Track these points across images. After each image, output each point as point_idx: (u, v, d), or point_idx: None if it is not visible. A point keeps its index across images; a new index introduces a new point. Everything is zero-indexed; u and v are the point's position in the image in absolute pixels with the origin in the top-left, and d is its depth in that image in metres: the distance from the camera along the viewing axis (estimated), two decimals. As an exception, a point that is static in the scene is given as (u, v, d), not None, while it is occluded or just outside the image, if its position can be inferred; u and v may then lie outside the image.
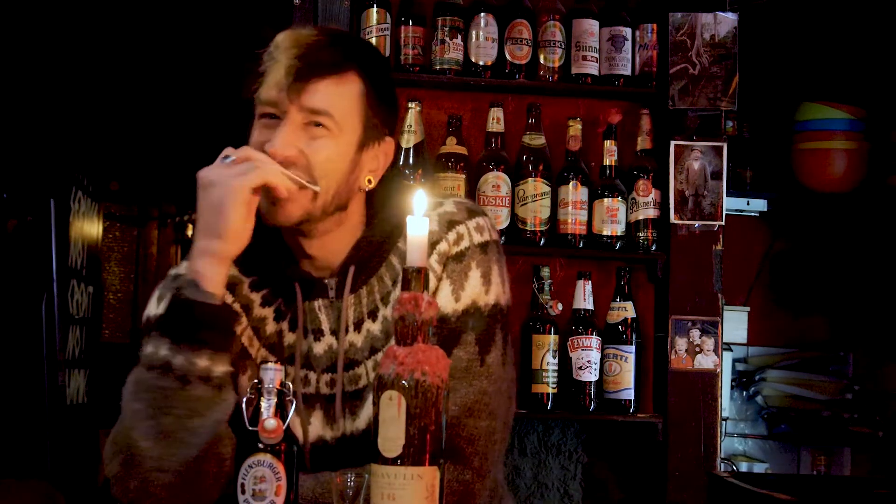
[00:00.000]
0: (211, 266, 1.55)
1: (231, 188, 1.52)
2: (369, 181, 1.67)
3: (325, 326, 1.68)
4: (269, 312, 1.70)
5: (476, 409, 1.60)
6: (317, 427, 1.66)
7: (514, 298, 1.74)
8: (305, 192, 1.59)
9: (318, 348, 1.68)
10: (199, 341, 1.53)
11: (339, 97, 1.61)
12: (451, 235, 1.66)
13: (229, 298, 1.66)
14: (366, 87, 1.64)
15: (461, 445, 1.58)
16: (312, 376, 1.67)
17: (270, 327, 1.70)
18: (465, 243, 1.66)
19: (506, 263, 1.72)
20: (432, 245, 1.65)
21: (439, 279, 1.65)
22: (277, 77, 1.58)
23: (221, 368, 1.55)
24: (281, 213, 1.60)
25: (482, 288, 1.65)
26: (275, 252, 1.69)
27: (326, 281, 1.68)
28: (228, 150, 1.59)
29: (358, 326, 1.67)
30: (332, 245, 1.68)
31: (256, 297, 1.70)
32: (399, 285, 1.65)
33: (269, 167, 1.55)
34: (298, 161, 1.59)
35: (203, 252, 1.55)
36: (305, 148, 1.59)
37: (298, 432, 1.66)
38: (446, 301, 1.63)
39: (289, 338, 1.68)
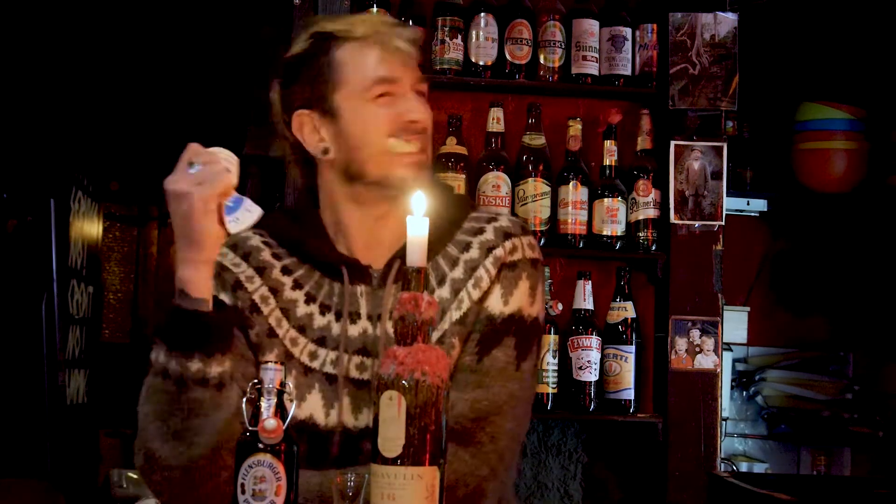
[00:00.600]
0: (194, 272, 1.59)
1: (197, 200, 1.55)
2: None
3: (363, 311, 1.72)
4: (299, 295, 1.75)
5: (504, 410, 1.65)
6: (343, 413, 1.69)
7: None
8: None
9: (353, 330, 1.72)
10: (188, 346, 1.58)
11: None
12: (508, 244, 1.74)
13: (257, 283, 1.74)
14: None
15: (482, 440, 1.61)
16: (344, 357, 1.71)
17: (301, 310, 1.74)
18: (518, 255, 1.74)
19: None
20: (488, 249, 1.74)
21: (492, 282, 1.72)
22: (391, 56, 1.71)
23: (217, 369, 1.59)
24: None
25: (528, 299, 1.73)
26: (315, 235, 1.75)
27: (372, 270, 1.73)
28: (192, 152, 1.59)
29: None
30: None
31: (287, 281, 1.75)
32: (443, 285, 1.72)
33: (226, 172, 1.57)
34: None
35: (185, 260, 1.60)
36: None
37: (321, 416, 1.69)
38: (496, 303, 1.71)
39: (318, 320, 1.73)
